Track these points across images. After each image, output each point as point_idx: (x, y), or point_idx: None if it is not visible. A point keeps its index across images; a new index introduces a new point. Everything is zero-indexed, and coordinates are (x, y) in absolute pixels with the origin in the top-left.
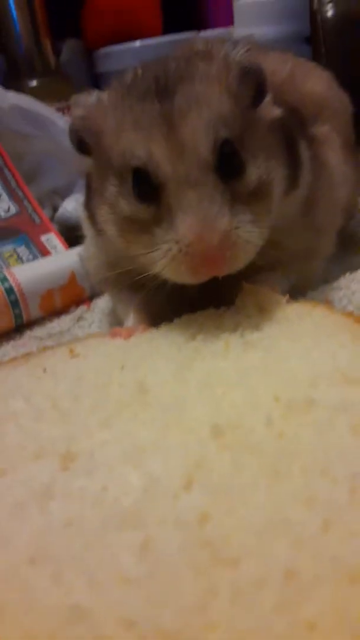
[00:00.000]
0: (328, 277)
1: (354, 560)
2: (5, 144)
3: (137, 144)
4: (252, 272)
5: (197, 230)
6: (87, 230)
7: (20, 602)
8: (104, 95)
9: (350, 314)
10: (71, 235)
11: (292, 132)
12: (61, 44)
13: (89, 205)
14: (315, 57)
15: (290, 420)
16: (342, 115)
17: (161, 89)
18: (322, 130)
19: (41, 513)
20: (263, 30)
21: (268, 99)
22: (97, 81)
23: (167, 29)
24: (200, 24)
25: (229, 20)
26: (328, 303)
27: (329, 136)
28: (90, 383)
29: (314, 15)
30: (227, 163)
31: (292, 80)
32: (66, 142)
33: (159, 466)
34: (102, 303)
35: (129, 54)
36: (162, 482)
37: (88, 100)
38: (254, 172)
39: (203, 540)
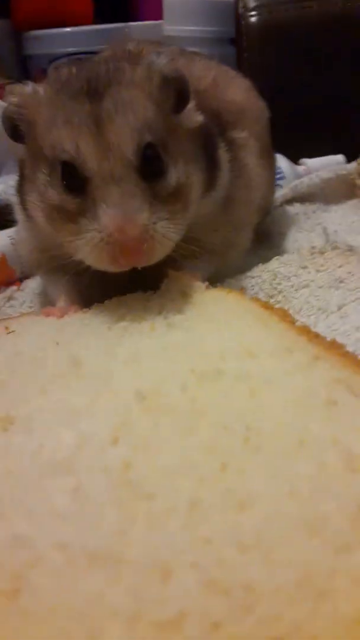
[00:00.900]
0: (244, 267)
1: (243, 492)
2: None
3: (67, 139)
4: (176, 261)
5: (118, 222)
6: (19, 214)
7: None
8: (40, 88)
9: (257, 300)
10: (0, 218)
11: (213, 137)
12: None
13: (20, 191)
14: (239, 59)
15: (202, 387)
16: (259, 122)
17: (92, 90)
18: (241, 135)
19: None
20: (190, 29)
21: (191, 106)
22: (24, 63)
23: (98, 18)
24: (130, 16)
25: (159, 15)
26: (242, 290)
27: (248, 141)
28: (27, 357)
29: (239, 19)
30: (150, 165)
31: (215, 87)
32: None
33: (90, 426)
34: (33, 284)
35: (59, 39)
36: (92, 439)
37: (24, 90)
38: (174, 175)
39: (125, 481)
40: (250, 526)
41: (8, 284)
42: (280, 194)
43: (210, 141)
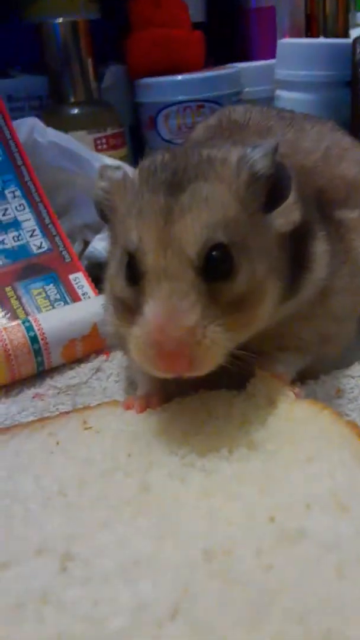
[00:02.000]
0: (341, 362)
1: None
2: (41, 176)
3: (135, 230)
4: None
5: (160, 320)
6: (105, 292)
7: None
8: (128, 176)
9: (355, 425)
10: (100, 274)
11: (309, 228)
12: (103, 69)
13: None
14: (354, 103)
15: (280, 552)
16: None
17: (175, 183)
18: (351, 216)
19: (36, 620)
20: (304, 73)
21: (290, 200)
22: (137, 110)
23: (211, 58)
24: (244, 55)
25: (273, 52)
26: (338, 392)
27: (358, 222)
28: (97, 469)
29: (355, 66)
30: (215, 266)
31: (325, 162)
32: None
33: (149, 587)
34: (121, 355)
35: (170, 87)
36: (150, 607)
37: (113, 175)
38: (244, 281)
39: None
40: None
41: (98, 352)
42: None
43: (305, 235)
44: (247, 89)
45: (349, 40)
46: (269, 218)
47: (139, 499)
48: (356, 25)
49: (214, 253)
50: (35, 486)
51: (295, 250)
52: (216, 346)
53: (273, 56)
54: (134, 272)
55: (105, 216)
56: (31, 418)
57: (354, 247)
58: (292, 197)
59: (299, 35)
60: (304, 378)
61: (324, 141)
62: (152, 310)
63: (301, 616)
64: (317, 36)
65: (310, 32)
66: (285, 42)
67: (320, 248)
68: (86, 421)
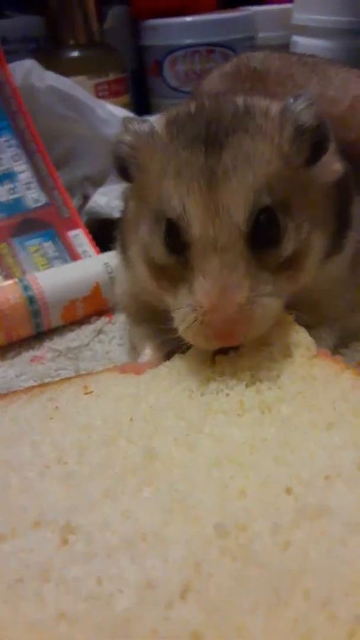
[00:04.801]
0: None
1: None
2: (38, 123)
3: (175, 195)
4: None
5: (214, 299)
6: (119, 253)
7: None
8: (156, 130)
9: None
10: (100, 231)
11: (348, 185)
12: (105, 10)
13: (122, 233)
14: None
15: (299, 528)
16: None
17: (211, 138)
18: None
19: (36, 598)
20: (323, 18)
21: (330, 153)
22: (141, 55)
23: (222, 3)
24: (257, 0)
25: None
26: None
27: None
28: (98, 436)
29: None
30: (263, 232)
31: (353, 112)
32: (103, 130)
33: (158, 564)
34: (124, 317)
35: (177, 29)
36: (158, 585)
37: (140, 129)
38: (291, 243)
39: None
40: None
41: (100, 313)
42: None
43: (344, 192)
44: (261, 34)
45: None
46: (312, 171)
47: (144, 467)
48: None
49: (261, 217)
50: (33, 454)
51: (338, 205)
52: (268, 312)
53: (289, 1)
54: (176, 241)
55: (128, 174)
56: (31, 383)
57: None
58: (332, 148)
59: None
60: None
61: (351, 90)
62: (203, 287)
63: (325, 601)
64: None
65: None
66: None
67: (356, 211)
68: (87, 386)
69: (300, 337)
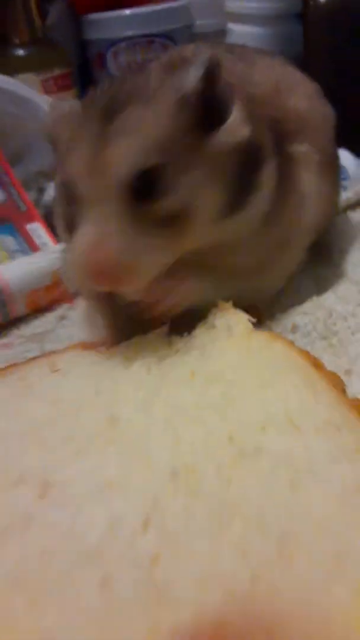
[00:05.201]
0: (295, 299)
1: (272, 620)
2: None
3: (69, 159)
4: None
5: (87, 242)
6: (60, 235)
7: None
8: (73, 106)
9: (307, 355)
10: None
11: (258, 153)
12: (47, 6)
13: (53, 209)
14: (305, 39)
15: (239, 466)
16: (323, 132)
17: (110, 109)
18: (300, 149)
19: (20, 540)
20: (254, 6)
21: (233, 120)
22: (83, 48)
23: None
24: None
25: None
26: (294, 327)
27: (307, 155)
28: (67, 407)
29: None
30: (147, 187)
31: (277, 94)
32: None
33: (122, 504)
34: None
35: (117, 22)
36: (123, 521)
37: (61, 108)
38: (172, 200)
39: (152, 581)
40: None
41: (62, 300)
42: (343, 197)
43: (252, 159)
44: (198, 22)
45: None
46: (212, 137)
47: (108, 431)
48: None
49: (143, 176)
50: (9, 426)
51: (244, 170)
52: (147, 261)
53: None
54: (71, 199)
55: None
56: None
57: (300, 180)
58: (238, 116)
59: None
60: (259, 314)
61: (274, 74)
62: (80, 235)
63: (259, 524)
64: None
65: None
66: None
67: (267, 173)
68: (55, 363)
69: (239, 317)
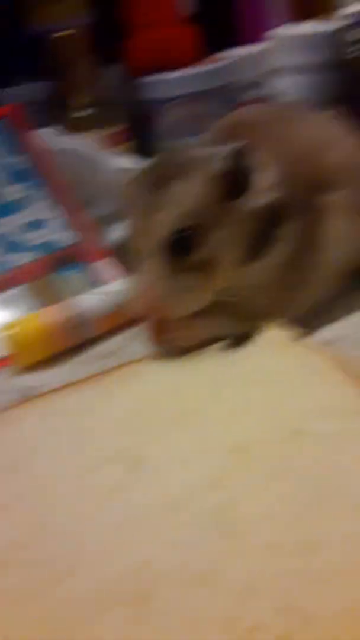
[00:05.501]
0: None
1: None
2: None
3: (129, 220)
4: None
5: (139, 288)
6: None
7: None
8: (137, 176)
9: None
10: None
11: (284, 211)
12: (103, 70)
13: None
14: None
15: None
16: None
17: (157, 183)
18: (335, 197)
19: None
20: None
21: (257, 188)
22: (139, 107)
23: (207, 51)
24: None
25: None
26: (329, 340)
27: (341, 202)
28: (146, 406)
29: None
30: (182, 244)
31: (315, 152)
32: (112, 177)
33: (196, 472)
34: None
35: (170, 83)
36: (197, 483)
37: (129, 176)
38: (201, 252)
39: (223, 519)
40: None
41: (129, 325)
42: None
43: (276, 216)
44: (243, 76)
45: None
46: (237, 203)
47: (183, 420)
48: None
49: (178, 235)
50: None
51: (266, 227)
52: (184, 298)
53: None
54: (132, 250)
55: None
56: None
57: (328, 226)
58: (264, 183)
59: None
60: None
61: (314, 132)
62: (135, 281)
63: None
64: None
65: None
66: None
67: (289, 226)
68: (131, 370)
69: (279, 333)
